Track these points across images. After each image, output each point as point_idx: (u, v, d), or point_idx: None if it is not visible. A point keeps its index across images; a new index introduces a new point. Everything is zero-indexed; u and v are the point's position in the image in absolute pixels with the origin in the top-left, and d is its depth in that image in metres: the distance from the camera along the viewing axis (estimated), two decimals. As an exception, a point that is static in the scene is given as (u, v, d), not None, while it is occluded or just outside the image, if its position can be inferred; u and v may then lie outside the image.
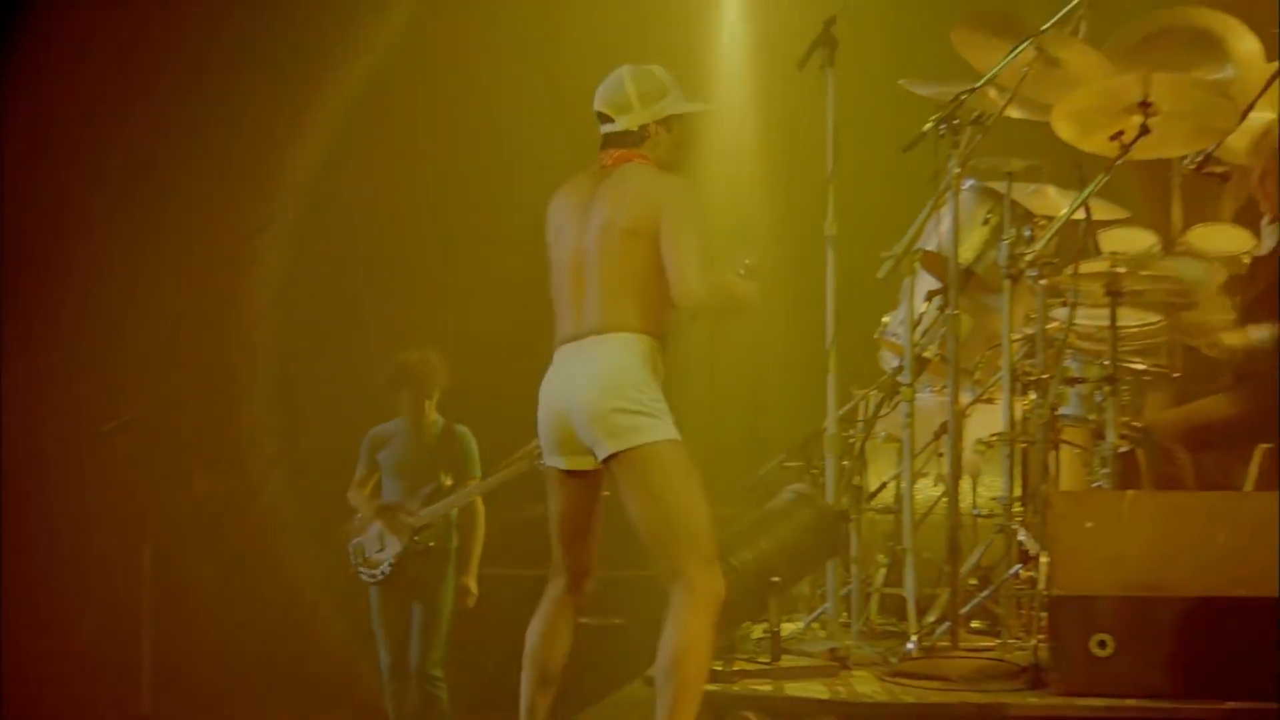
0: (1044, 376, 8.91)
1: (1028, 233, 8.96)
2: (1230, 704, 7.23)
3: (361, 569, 11.43)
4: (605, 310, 7.50)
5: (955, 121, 8.67)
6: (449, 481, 11.19)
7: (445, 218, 13.95)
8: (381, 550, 11.34)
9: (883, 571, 9.37)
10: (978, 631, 8.82)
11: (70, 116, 14.17)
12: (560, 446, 7.58)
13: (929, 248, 9.14)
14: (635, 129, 7.69)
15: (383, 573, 11.34)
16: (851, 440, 9.39)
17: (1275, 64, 9.44)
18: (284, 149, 14.54)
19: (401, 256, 14.33)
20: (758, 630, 8.65)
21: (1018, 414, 8.86)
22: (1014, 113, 9.28)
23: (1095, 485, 9.11)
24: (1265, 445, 9.54)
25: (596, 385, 7.36)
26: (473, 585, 11.41)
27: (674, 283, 7.37)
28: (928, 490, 9.35)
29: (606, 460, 7.32)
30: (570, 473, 7.61)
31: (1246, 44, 9.84)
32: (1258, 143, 9.49)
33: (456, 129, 14.23)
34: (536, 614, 7.77)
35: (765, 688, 7.93)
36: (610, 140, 7.77)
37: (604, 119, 7.80)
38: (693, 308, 7.46)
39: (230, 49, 14.29)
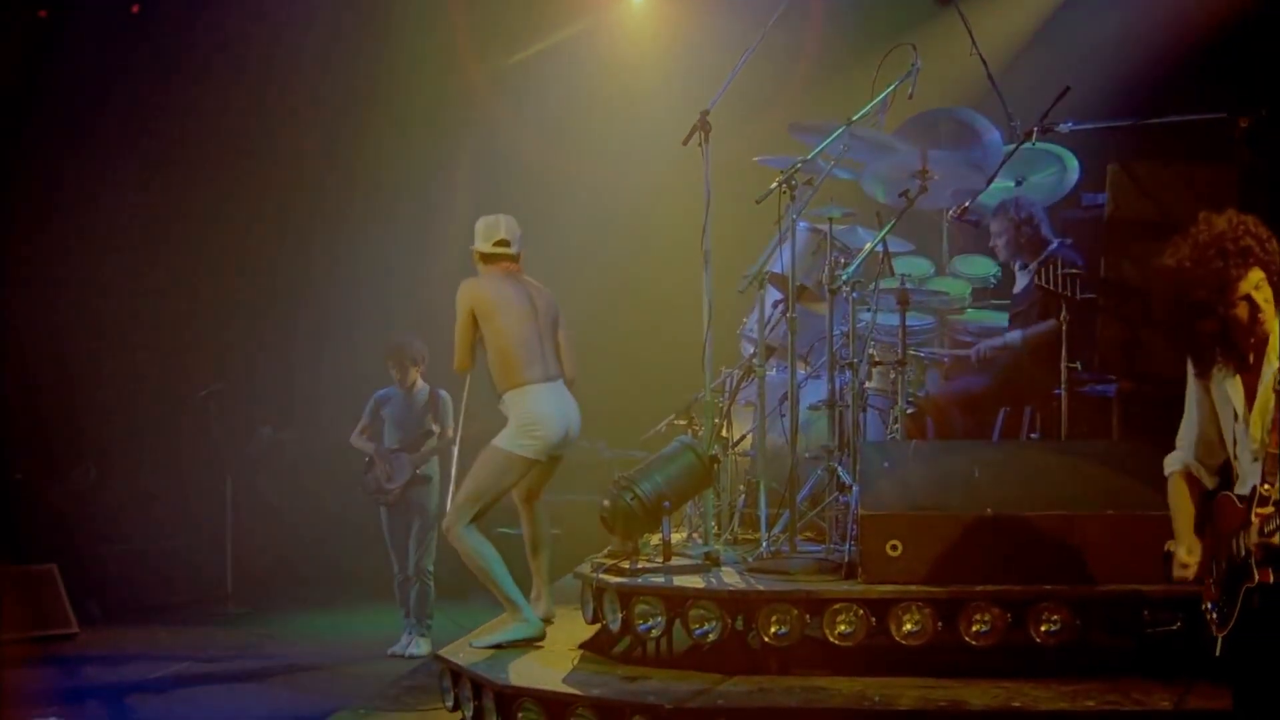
0: (855, 360, 8.92)
1: (843, 260, 8.97)
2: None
3: (376, 495, 11.39)
4: (556, 363, 8.52)
5: (793, 182, 8.71)
6: (435, 430, 11.13)
7: (436, 226, 13.81)
8: (390, 481, 11.31)
9: (742, 497, 9.35)
10: (809, 540, 8.80)
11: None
12: (560, 446, 8.44)
13: (775, 270, 9.13)
14: (516, 254, 8.59)
15: (394, 497, 11.31)
16: (721, 404, 9.35)
17: (1012, 146, 9.46)
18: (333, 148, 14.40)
19: (396, 257, 14.25)
20: (655, 539, 8.62)
21: (837, 386, 8.87)
22: (835, 175, 9.30)
23: (890, 436, 9.15)
24: (1005, 408, 9.60)
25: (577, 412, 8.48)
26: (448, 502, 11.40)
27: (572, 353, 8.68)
28: (774, 439, 9.32)
29: None
30: (554, 458, 8.46)
31: (990, 133, 9.86)
32: (995, 214, 9.54)
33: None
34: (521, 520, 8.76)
35: (659, 579, 7.92)
36: (508, 257, 8.59)
37: (505, 244, 8.53)
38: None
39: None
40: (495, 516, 8.53)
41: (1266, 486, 5.04)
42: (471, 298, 8.46)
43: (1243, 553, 5.12)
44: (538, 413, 8.34)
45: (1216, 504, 5.39)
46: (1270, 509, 5.01)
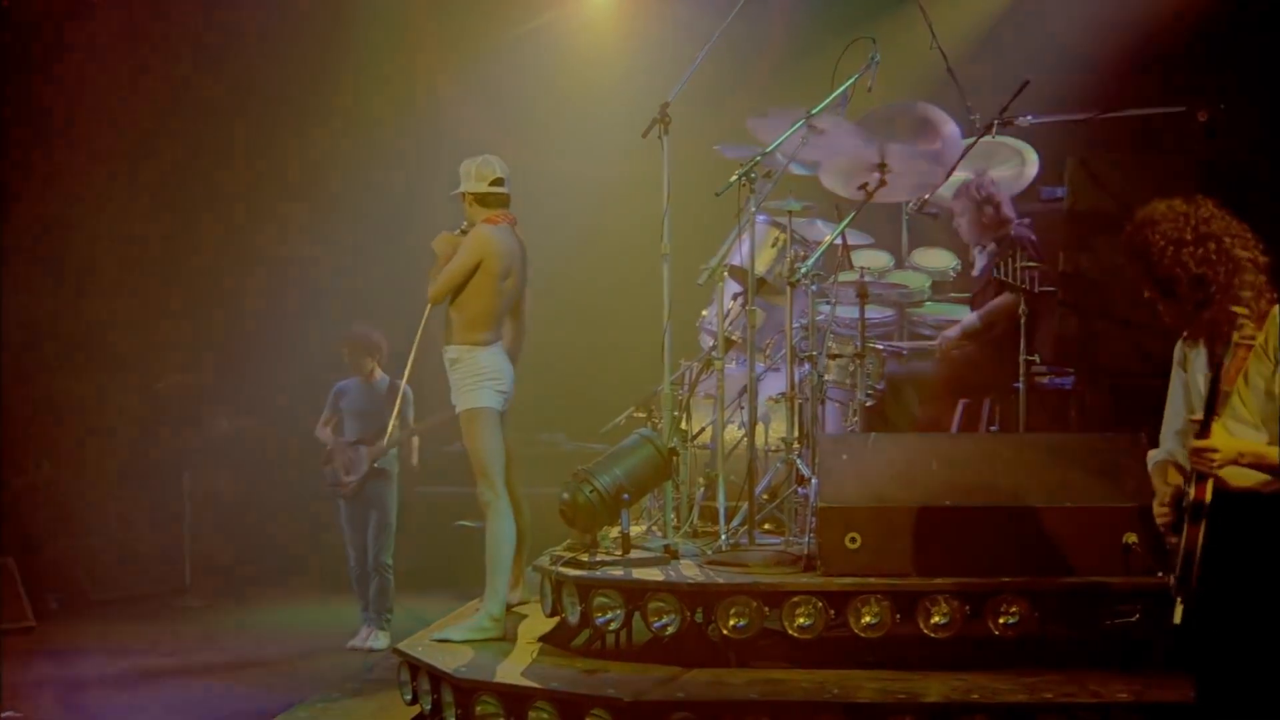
0: (814, 353, 8.91)
1: (803, 253, 8.96)
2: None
3: (335, 488, 11.30)
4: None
5: (752, 175, 8.68)
6: (395, 423, 11.05)
7: (394, 217, 13.74)
8: (349, 474, 11.22)
9: (701, 490, 9.32)
10: (768, 532, 8.79)
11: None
12: (508, 401, 8.55)
13: (734, 263, 9.11)
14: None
15: (352, 490, 11.22)
16: (680, 397, 9.33)
17: (971, 139, 9.48)
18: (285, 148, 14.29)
19: (355, 248, 14.17)
20: (614, 532, 8.60)
21: (796, 379, 8.86)
22: (794, 170, 9.28)
23: (849, 429, 9.15)
24: (964, 400, 9.60)
25: None
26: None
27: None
28: (734, 432, 9.30)
29: None
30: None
31: (949, 126, 9.87)
32: (956, 195, 9.55)
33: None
34: None
35: (618, 572, 7.88)
36: (505, 199, 8.42)
37: (501, 183, 8.15)
38: None
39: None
40: (459, 509, 8.50)
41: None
42: (488, 250, 8.37)
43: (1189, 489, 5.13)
44: (496, 365, 8.43)
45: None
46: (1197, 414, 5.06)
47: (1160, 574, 5.41)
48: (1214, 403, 5.00)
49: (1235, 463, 5.02)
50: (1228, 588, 5.10)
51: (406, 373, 9.11)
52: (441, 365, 8.53)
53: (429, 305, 8.52)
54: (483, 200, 8.51)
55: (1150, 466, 5.58)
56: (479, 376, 8.36)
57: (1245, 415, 5.12)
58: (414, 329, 8.57)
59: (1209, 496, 5.02)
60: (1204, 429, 5.00)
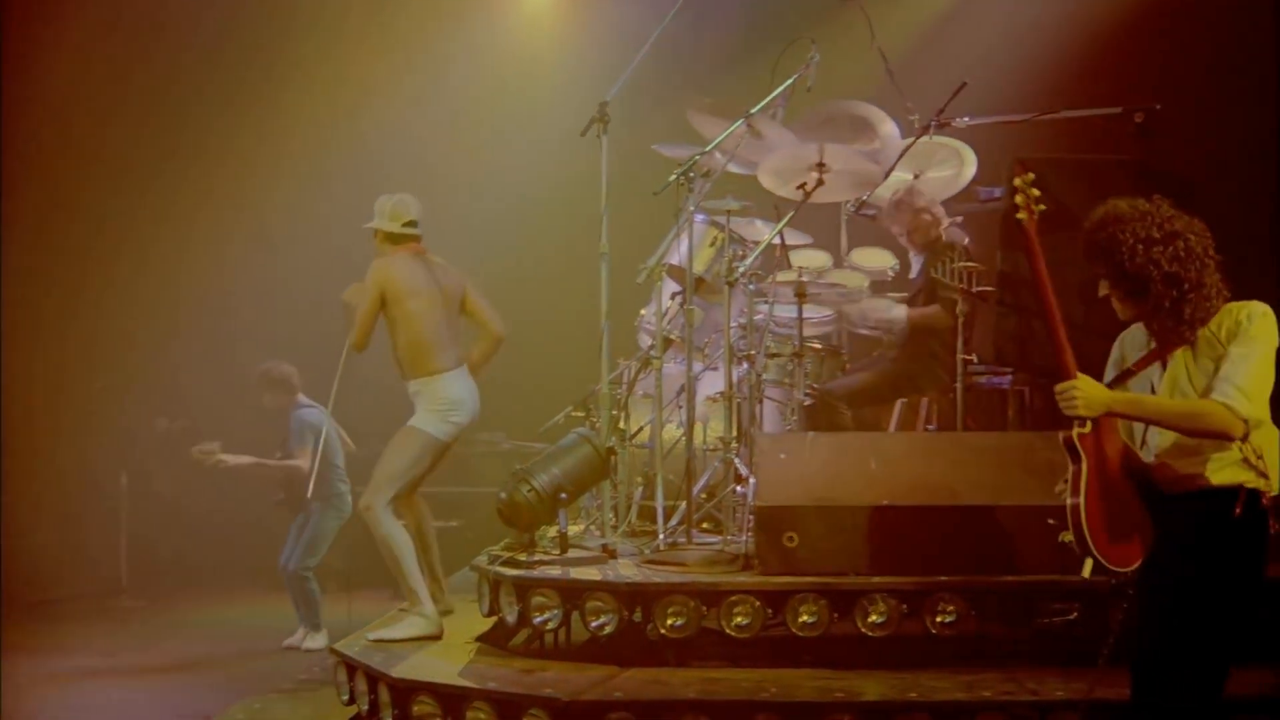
0: (752, 352, 8.91)
1: (741, 252, 8.95)
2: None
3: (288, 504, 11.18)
4: (459, 347, 8.56)
5: (691, 174, 8.68)
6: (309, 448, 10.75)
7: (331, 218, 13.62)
8: (293, 492, 11.06)
9: (640, 489, 9.30)
10: (706, 531, 8.77)
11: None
12: (465, 430, 8.56)
13: (673, 262, 9.09)
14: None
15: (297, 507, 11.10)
16: (618, 396, 9.32)
17: (910, 139, 9.50)
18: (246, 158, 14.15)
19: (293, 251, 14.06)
20: (552, 531, 8.56)
21: (734, 378, 8.84)
22: (732, 169, 9.27)
23: (787, 428, 9.14)
24: (902, 399, 9.62)
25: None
26: None
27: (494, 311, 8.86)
28: (672, 431, 9.29)
29: None
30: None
31: (888, 126, 9.89)
32: (894, 207, 9.52)
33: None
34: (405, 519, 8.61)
35: (556, 572, 7.85)
36: (416, 238, 8.55)
37: (414, 224, 8.51)
38: None
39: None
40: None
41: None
42: (384, 279, 8.38)
43: None
44: (454, 397, 8.39)
45: None
46: None
47: (1053, 521, 5.56)
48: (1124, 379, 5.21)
49: (1110, 412, 5.16)
50: (1158, 589, 5.20)
51: (331, 399, 9.10)
52: (364, 396, 8.58)
53: (353, 350, 8.57)
54: (393, 239, 8.56)
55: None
56: (437, 406, 8.37)
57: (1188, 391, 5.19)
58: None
59: (1075, 436, 5.17)
60: (1068, 374, 5.14)
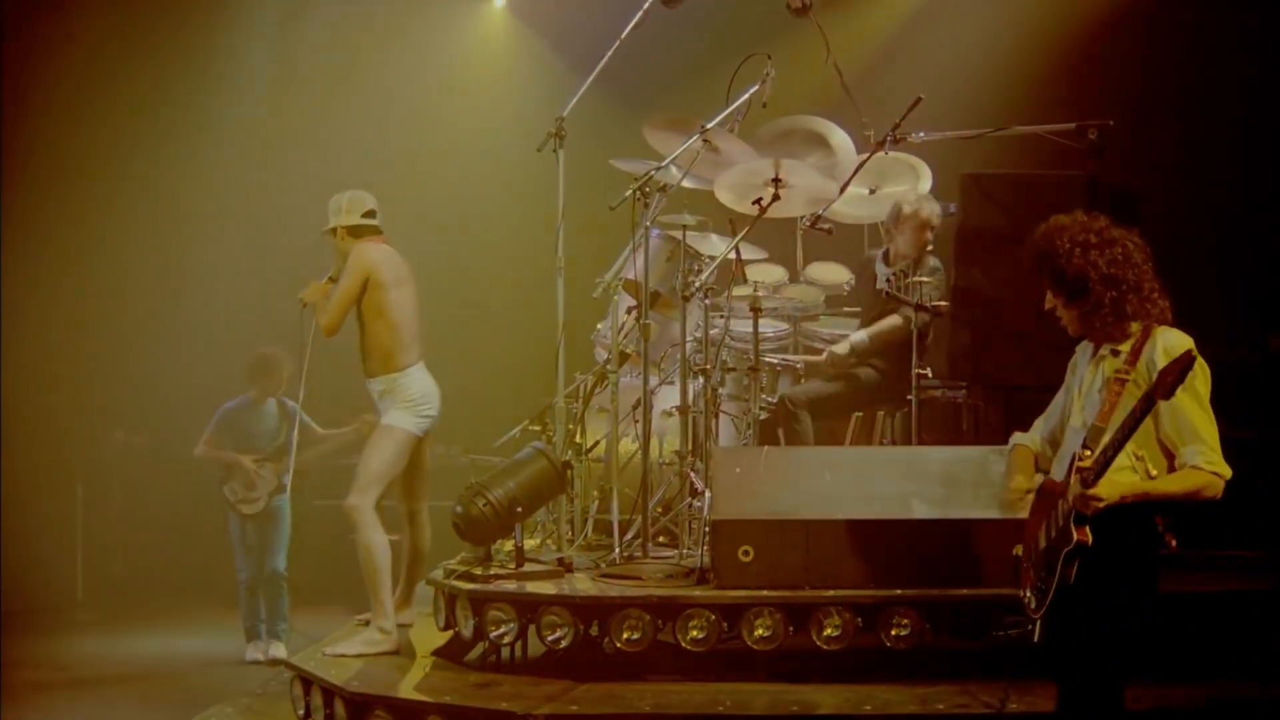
0: (708, 366, 8.89)
1: (697, 267, 8.94)
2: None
3: (241, 504, 11.13)
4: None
5: (647, 189, 8.67)
6: (291, 441, 10.79)
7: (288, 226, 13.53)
8: (254, 490, 11.07)
9: (596, 503, 9.27)
10: (662, 545, 8.76)
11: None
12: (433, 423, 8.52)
13: (629, 276, 9.08)
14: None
15: (259, 506, 11.08)
16: (574, 410, 9.29)
17: (866, 155, 9.52)
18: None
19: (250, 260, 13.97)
20: (508, 545, 8.53)
21: (690, 392, 8.84)
22: (688, 184, 9.25)
23: (743, 442, 9.13)
24: (857, 414, 9.61)
25: None
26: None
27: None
28: (628, 445, 9.26)
29: None
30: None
31: (844, 142, 9.91)
32: (914, 212, 9.46)
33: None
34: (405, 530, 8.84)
35: (511, 586, 7.84)
36: (377, 229, 8.51)
37: (373, 215, 8.43)
38: None
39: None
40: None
41: (1086, 453, 5.23)
42: (370, 265, 8.34)
43: (1060, 521, 5.29)
44: (424, 390, 8.45)
45: (1038, 491, 5.62)
46: (1089, 463, 5.18)
47: (1021, 593, 5.69)
48: (1111, 457, 5.17)
49: (1121, 503, 5.22)
50: (1081, 597, 5.30)
51: (301, 394, 9.06)
52: (331, 384, 8.50)
53: (324, 334, 8.47)
54: (355, 232, 8.50)
55: (1012, 446, 5.89)
56: (409, 402, 8.37)
57: (1128, 448, 5.23)
58: (303, 342, 8.52)
59: (1090, 539, 5.20)
60: (1095, 478, 5.16)
